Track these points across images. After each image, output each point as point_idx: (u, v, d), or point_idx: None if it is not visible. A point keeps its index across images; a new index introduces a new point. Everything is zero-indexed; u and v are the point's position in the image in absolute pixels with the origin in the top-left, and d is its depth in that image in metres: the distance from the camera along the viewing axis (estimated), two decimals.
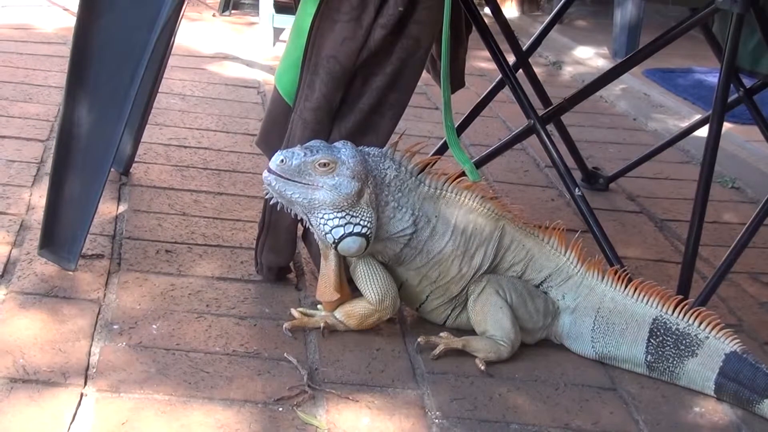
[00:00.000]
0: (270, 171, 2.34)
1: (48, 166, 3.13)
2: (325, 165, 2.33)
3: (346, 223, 2.36)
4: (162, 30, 2.49)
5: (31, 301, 2.43)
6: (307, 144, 2.38)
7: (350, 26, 2.49)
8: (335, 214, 2.36)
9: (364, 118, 2.56)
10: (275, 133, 2.60)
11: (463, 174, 2.51)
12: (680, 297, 2.44)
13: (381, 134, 2.52)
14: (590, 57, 5.76)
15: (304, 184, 2.34)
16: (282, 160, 2.33)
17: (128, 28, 2.52)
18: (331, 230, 2.37)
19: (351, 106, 2.55)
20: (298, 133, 2.50)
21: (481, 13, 2.95)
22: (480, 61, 5.08)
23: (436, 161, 2.50)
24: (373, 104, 2.56)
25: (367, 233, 2.37)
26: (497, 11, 3.22)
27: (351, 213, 2.37)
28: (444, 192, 2.47)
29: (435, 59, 2.88)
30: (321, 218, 2.37)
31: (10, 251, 2.66)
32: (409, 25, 2.52)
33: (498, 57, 2.92)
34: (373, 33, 2.49)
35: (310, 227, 2.43)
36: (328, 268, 2.44)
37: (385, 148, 2.44)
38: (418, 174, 2.45)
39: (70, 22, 5.06)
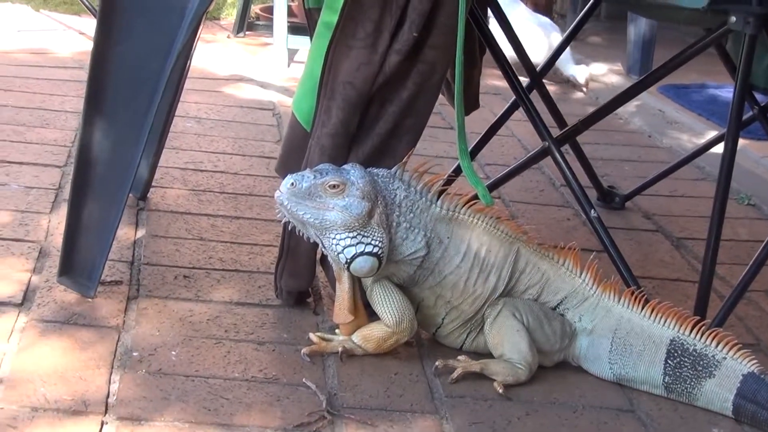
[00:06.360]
0: (281, 194, 2.36)
1: (66, 192, 3.16)
2: (334, 186, 2.36)
3: (357, 243, 2.38)
4: (178, 55, 2.51)
5: (51, 328, 2.45)
6: (316, 167, 2.41)
7: (365, 52, 2.50)
8: (347, 234, 2.38)
9: (381, 143, 2.57)
10: (294, 159, 2.61)
11: (476, 197, 2.52)
12: (697, 318, 2.45)
13: (398, 159, 2.52)
14: (604, 73, 5.77)
15: (316, 205, 2.36)
16: (292, 183, 2.36)
17: (145, 54, 2.54)
18: (343, 250, 2.38)
19: (368, 131, 2.56)
20: (315, 159, 2.51)
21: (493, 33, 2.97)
22: (494, 79, 5.08)
23: (445, 180, 2.51)
24: (390, 129, 2.57)
25: (379, 253, 2.39)
26: (509, 30, 3.23)
27: (362, 233, 2.38)
28: (457, 214, 2.48)
29: (450, 82, 2.89)
30: (333, 239, 2.39)
31: (30, 278, 2.67)
32: (425, 50, 2.54)
33: (512, 79, 2.94)
34: (389, 59, 2.50)
35: (323, 249, 2.45)
36: (342, 290, 2.46)
37: (393, 169, 2.46)
38: (429, 195, 2.46)
39: (86, 46, 5.14)
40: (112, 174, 2.58)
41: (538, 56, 4.78)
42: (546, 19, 5.64)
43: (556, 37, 5.31)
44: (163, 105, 2.79)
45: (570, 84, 5.50)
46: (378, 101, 2.56)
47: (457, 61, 2.52)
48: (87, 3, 5.48)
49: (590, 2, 3.48)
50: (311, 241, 2.46)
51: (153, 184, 3.30)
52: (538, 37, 5.34)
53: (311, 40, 2.77)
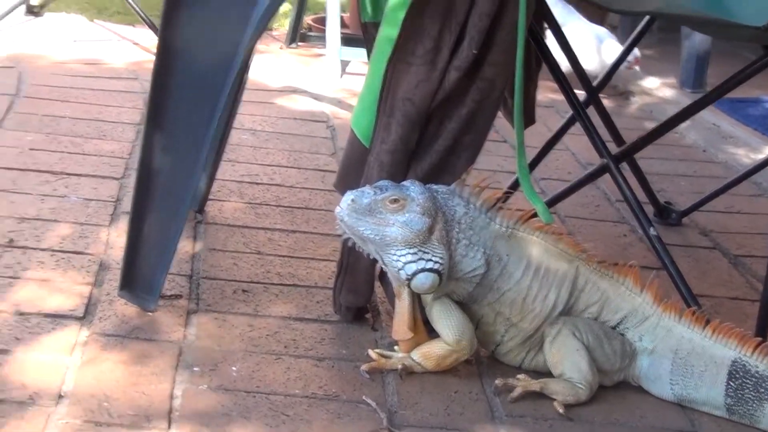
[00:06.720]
0: (341, 210, 2.37)
1: (124, 205, 3.19)
2: (395, 201, 2.36)
3: (418, 259, 2.38)
4: (239, 68, 2.52)
5: (113, 342, 2.47)
6: (376, 183, 2.41)
7: (425, 69, 2.51)
8: (407, 250, 2.38)
9: (440, 160, 2.57)
10: (353, 175, 2.62)
11: (535, 214, 2.52)
12: (759, 339, 2.43)
13: (457, 175, 2.52)
14: (657, 87, 5.72)
15: (376, 221, 2.36)
16: (353, 200, 2.36)
17: (206, 68, 2.55)
18: (403, 266, 2.38)
19: (426, 148, 2.57)
20: (375, 175, 2.52)
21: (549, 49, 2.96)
22: (548, 92, 5.06)
23: (504, 196, 2.51)
24: (449, 146, 2.57)
25: (440, 269, 2.38)
26: (565, 44, 3.22)
27: (423, 249, 2.38)
28: (516, 231, 2.48)
29: (506, 97, 2.88)
30: (393, 255, 2.39)
31: (91, 292, 2.70)
32: (484, 67, 2.54)
33: (569, 95, 2.93)
34: (448, 76, 2.51)
35: (383, 266, 2.45)
36: (402, 306, 2.46)
37: (453, 185, 2.46)
38: (488, 212, 2.46)
39: (141, 56, 5.19)
40: (172, 188, 2.59)
41: (590, 65, 4.80)
42: (602, 29, 5.62)
43: (611, 44, 5.30)
44: (222, 117, 2.79)
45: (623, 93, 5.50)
46: (437, 118, 2.56)
47: (516, 78, 2.52)
48: (142, 13, 5.51)
49: (646, 19, 3.47)
50: (371, 257, 2.46)
51: (210, 197, 3.32)
52: (592, 47, 5.32)
53: (367, 53, 2.78)
